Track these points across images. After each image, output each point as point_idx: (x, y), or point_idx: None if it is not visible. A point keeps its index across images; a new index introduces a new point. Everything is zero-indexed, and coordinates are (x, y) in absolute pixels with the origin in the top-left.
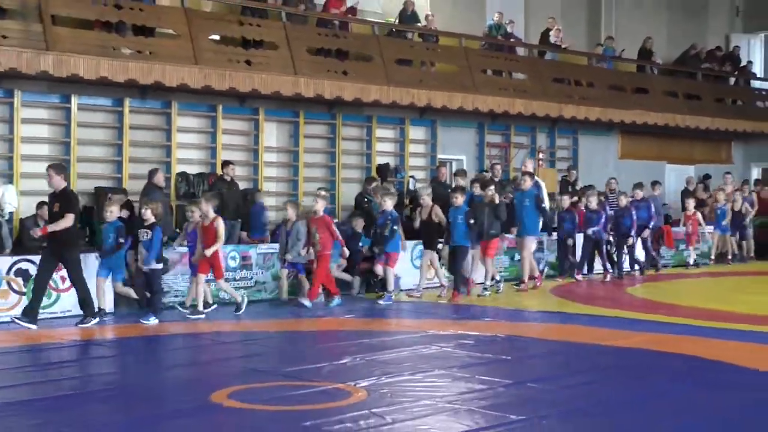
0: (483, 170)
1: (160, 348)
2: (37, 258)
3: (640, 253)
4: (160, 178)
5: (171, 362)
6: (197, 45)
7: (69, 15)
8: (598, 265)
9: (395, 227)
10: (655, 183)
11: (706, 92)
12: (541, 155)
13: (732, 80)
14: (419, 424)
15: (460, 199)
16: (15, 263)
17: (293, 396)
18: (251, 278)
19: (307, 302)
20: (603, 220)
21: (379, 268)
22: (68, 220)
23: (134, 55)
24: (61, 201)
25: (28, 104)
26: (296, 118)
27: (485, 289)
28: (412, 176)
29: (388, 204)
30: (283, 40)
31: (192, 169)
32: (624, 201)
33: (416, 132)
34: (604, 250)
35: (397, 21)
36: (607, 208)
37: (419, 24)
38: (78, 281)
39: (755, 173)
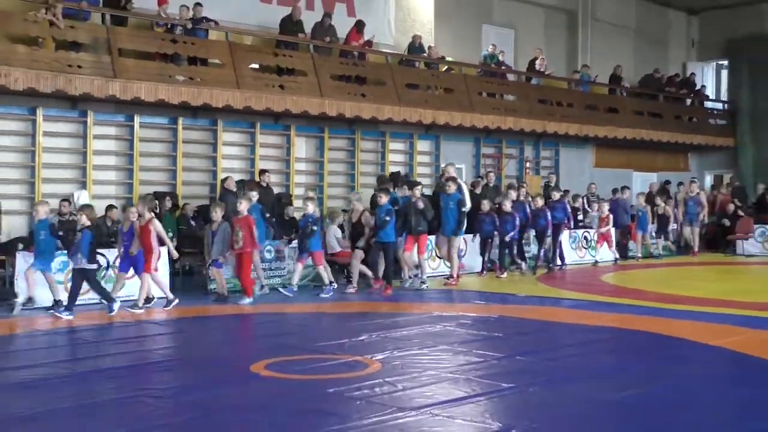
0: (479, 177)
1: (205, 327)
2: (106, 251)
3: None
4: (230, 183)
5: (215, 339)
6: (239, 72)
7: (133, 48)
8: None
9: (314, 227)
10: (624, 188)
11: (667, 111)
12: (528, 164)
13: (688, 101)
14: (425, 391)
15: (384, 198)
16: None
17: (319, 367)
18: (284, 268)
19: (246, 300)
20: (517, 221)
21: (299, 266)
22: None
23: (187, 81)
24: None
25: (99, 122)
26: (321, 133)
27: (423, 282)
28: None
29: (310, 208)
30: (311, 68)
31: (234, 176)
32: (540, 202)
33: (423, 145)
34: (515, 248)
35: (406, 52)
36: (527, 209)
37: (425, 54)
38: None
39: (708, 180)
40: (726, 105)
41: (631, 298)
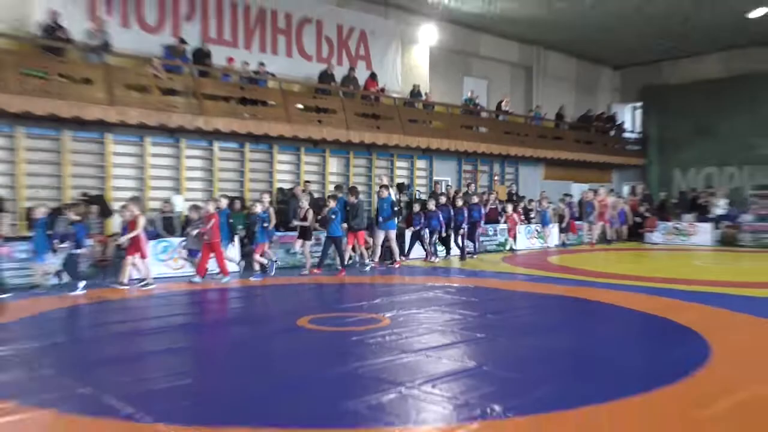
0: (461, 187)
1: (260, 293)
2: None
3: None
4: (298, 191)
5: (269, 301)
6: (289, 111)
7: (213, 93)
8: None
9: (265, 224)
10: (567, 195)
11: (596, 139)
12: (496, 177)
13: (612, 132)
14: (421, 339)
15: (332, 203)
16: (181, 242)
17: (346, 321)
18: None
19: (224, 278)
20: (440, 218)
21: (256, 256)
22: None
23: (251, 117)
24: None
25: (189, 147)
26: (348, 155)
27: (364, 265)
28: (410, 187)
29: (258, 208)
30: (340, 107)
31: (285, 186)
32: (459, 203)
33: (420, 163)
34: (434, 239)
35: (409, 96)
36: (450, 209)
37: (422, 98)
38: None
39: (626, 189)
40: (639, 135)
41: (569, 274)
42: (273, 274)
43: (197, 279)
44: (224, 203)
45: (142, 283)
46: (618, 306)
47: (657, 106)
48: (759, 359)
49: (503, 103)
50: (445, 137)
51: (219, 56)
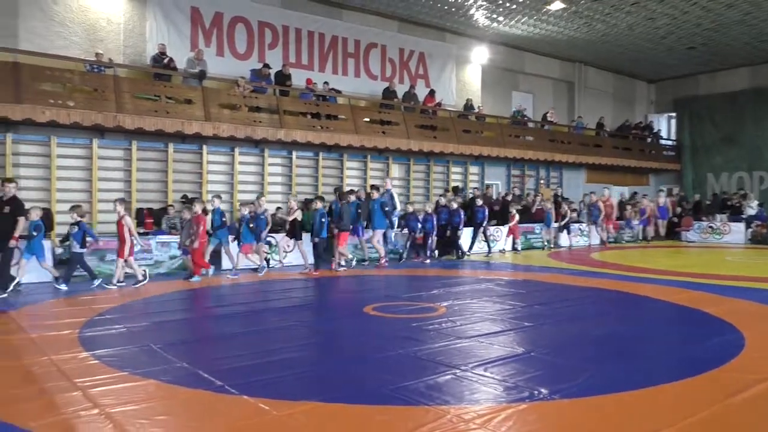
0: (510, 190)
1: (327, 284)
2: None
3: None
4: (361, 194)
5: (336, 291)
6: (357, 123)
7: (292, 109)
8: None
9: (251, 225)
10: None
11: (634, 146)
12: (542, 181)
13: (649, 140)
14: (474, 326)
15: (318, 204)
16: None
17: (407, 309)
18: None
19: (195, 278)
20: (435, 221)
21: (249, 255)
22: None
23: (325, 129)
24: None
25: (271, 156)
26: (408, 162)
27: (340, 265)
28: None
29: (245, 210)
30: (401, 120)
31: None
32: (455, 205)
33: (473, 169)
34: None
35: (463, 109)
36: (444, 212)
37: (475, 111)
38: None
39: (663, 192)
40: (674, 142)
41: (609, 269)
42: (262, 275)
43: (196, 279)
44: (217, 203)
45: (136, 283)
46: (656, 298)
47: (690, 116)
48: None
49: (548, 115)
50: (495, 145)
51: (297, 77)
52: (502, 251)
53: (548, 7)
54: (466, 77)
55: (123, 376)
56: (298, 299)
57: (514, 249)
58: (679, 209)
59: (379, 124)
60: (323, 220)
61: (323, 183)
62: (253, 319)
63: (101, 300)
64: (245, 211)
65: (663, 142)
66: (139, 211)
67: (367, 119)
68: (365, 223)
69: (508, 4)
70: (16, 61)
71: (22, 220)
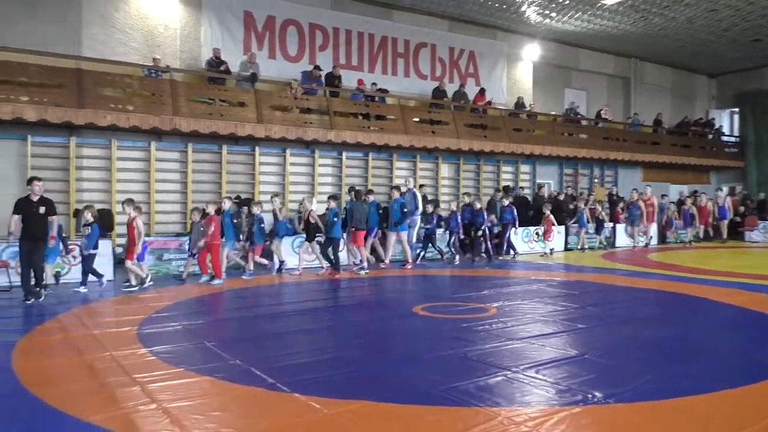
0: (561, 190)
1: (375, 284)
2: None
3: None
4: (421, 193)
5: (385, 291)
6: (406, 123)
7: (342, 110)
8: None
9: (262, 225)
10: (663, 195)
11: (694, 143)
12: (596, 180)
13: (710, 136)
14: (526, 328)
15: (332, 203)
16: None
17: (456, 310)
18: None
19: (216, 281)
20: (459, 220)
21: (256, 257)
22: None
23: (374, 130)
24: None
25: (322, 157)
26: (458, 161)
27: (361, 269)
28: (515, 190)
29: (256, 210)
30: (451, 120)
31: (403, 189)
32: (478, 205)
33: (524, 167)
34: (456, 240)
35: (514, 108)
36: (458, 214)
37: (526, 109)
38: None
39: (725, 189)
40: (736, 138)
41: (666, 270)
42: (275, 274)
43: (217, 282)
44: (227, 204)
45: (139, 287)
46: (715, 300)
47: (754, 111)
48: None
49: (603, 112)
50: (547, 144)
51: (347, 79)
52: (550, 252)
53: (603, 2)
54: (517, 75)
55: (179, 372)
56: (347, 299)
57: (547, 252)
58: (742, 208)
59: (429, 123)
60: (335, 219)
61: (373, 183)
62: (303, 318)
63: (158, 298)
64: (256, 210)
65: (725, 138)
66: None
67: (417, 119)
68: (383, 225)
69: (561, 0)
70: (79, 67)
71: (56, 219)
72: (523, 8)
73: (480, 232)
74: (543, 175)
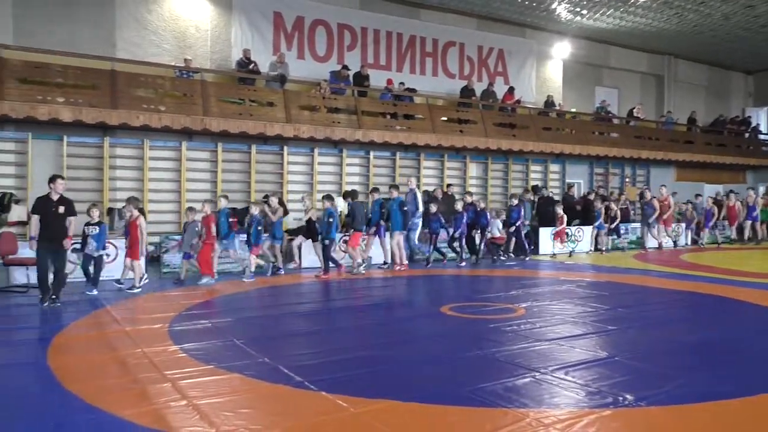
0: (592, 190)
1: (403, 284)
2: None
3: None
4: (438, 193)
5: (413, 290)
6: (434, 122)
7: (370, 110)
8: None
9: (259, 228)
10: (697, 195)
11: (730, 142)
12: (627, 179)
13: (746, 135)
14: (554, 329)
15: (327, 203)
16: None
17: (484, 310)
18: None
19: (205, 279)
20: (464, 220)
21: (252, 257)
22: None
23: (402, 129)
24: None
25: (349, 156)
26: (486, 161)
27: (357, 267)
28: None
29: (254, 210)
30: (479, 119)
31: (430, 188)
32: (482, 204)
33: (553, 167)
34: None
35: (543, 106)
36: (465, 213)
37: (556, 107)
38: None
39: (762, 189)
40: None
41: (700, 271)
42: (269, 275)
43: (209, 281)
44: (223, 203)
45: (133, 287)
46: (752, 303)
47: None
48: None
49: (635, 110)
50: (577, 143)
51: (375, 78)
52: (569, 254)
53: None
54: (546, 73)
55: (209, 369)
56: (374, 298)
57: (554, 254)
58: None
59: (457, 122)
60: (331, 220)
61: (398, 182)
62: (331, 317)
63: (188, 296)
64: (254, 210)
65: (762, 137)
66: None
67: (445, 118)
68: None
69: None
70: (113, 69)
71: (74, 221)
72: (554, 6)
73: (485, 233)
74: (573, 174)
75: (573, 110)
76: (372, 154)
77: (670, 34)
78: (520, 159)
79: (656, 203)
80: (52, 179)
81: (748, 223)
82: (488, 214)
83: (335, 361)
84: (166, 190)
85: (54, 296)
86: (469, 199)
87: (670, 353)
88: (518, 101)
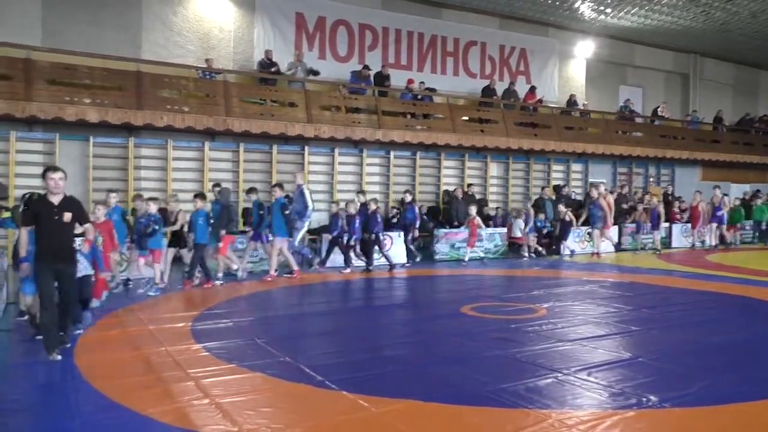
0: (615, 187)
1: (424, 283)
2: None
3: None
4: (458, 192)
5: (434, 290)
6: (454, 122)
7: (390, 110)
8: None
9: (156, 227)
10: (724, 195)
11: (757, 141)
12: (651, 179)
13: None
14: (577, 330)
15: (199, 203)
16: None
17: (506, 310)
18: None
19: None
20: (356, 225)
21: (141, 262)
22: None
23: (422, 129)
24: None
25: (369, 156)
26: (507, 160)
27: (216, 278)
28: (565, 189)
29: (153, 207)
30: (500, 118)
31: (450, 188)
32: (408, 198)
33: (575, 166)
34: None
35: (566, 105)
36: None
37: (578, 107)
38: None
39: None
40: None
41: (724, 272)
42: (240, 278)
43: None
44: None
45: (153, 285)
46: None
47: None
48: None
49: (660, 109)
50: (600, 142)
51: (396, 78)
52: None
53: None
54: (569, 72)
55: (231, 368)
56: (394, 297)
57: (567, 254)
58: None
59: (478, 122)
60: (201, 221)
61: (420, 183)
62: (351, 317)
63: (210, 296)
64: (153, 208)
65: None
66: (245, 210)
67: (466, 118)
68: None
69: None
70: (138, 70)
71: (91, 228)
72: (577, 4)
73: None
74: (596, 174)
75: (593, 110)
76: (392, 154)
77: (697, 33)
78: (541, 158)
79: (603, 203)
80: (44, 174)
81: (713, 225)
82: (378, 216)
83: (356, 361)
84: (188, 190)
85: (62, 333)
86: (408, 198)
87: (695, 354)
88: (540, 100)
